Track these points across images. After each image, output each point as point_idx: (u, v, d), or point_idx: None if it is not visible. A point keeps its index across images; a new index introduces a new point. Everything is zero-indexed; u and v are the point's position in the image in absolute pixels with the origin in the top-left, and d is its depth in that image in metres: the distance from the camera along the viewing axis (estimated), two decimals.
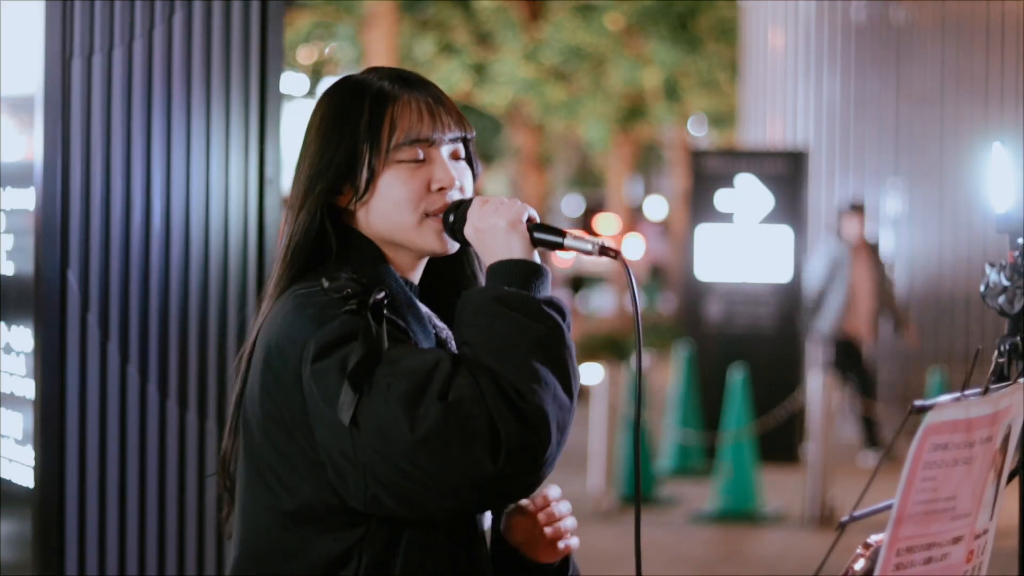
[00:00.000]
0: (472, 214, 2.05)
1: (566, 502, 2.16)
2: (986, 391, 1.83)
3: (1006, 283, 2.46)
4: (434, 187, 2.07)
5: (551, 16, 19.84)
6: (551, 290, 2.02)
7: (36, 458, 3.49)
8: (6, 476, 3.65)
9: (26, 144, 3.56)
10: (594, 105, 20.74)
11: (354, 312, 1.92)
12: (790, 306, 10.92)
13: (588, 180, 34.56)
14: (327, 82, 14.36)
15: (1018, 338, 2.45)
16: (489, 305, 1.94)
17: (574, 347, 1.97)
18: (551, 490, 2.15)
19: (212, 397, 3.71)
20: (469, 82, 19.96)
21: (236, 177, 3.75)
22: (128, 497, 3.58)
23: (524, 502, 2.12)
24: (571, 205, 37.23)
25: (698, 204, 11.05)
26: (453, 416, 1.84)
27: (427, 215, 2.07)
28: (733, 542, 8.16)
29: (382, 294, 1.95)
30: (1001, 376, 2.44)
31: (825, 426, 8.63)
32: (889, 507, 1.69)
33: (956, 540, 1.80)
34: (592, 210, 35.69)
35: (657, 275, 32.54)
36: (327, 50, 20.80)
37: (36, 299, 3.48)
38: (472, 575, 2.01)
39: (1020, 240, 2.48)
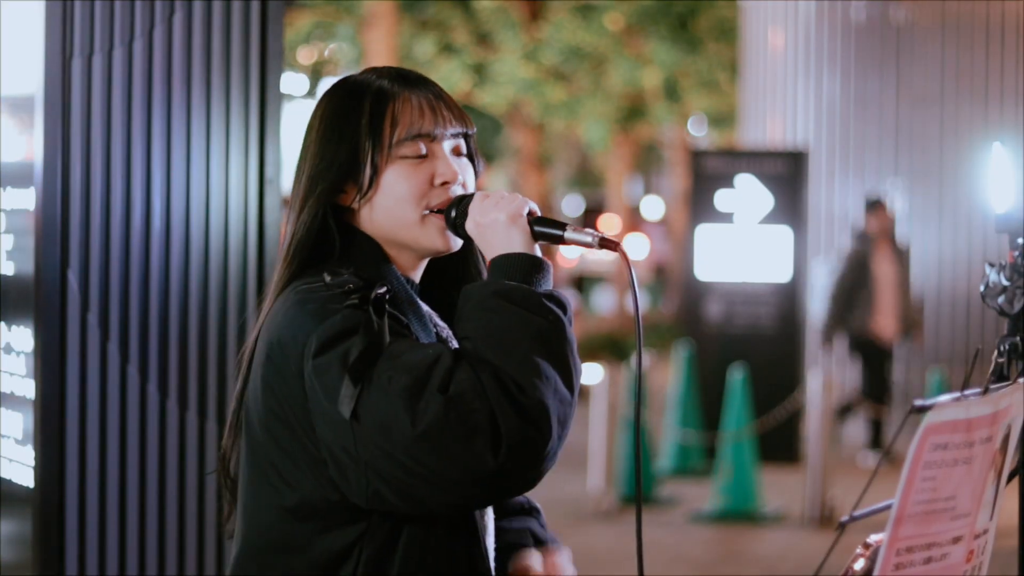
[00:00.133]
0: (473, 209, 2.05)
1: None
2: (986, 391, 1.83)
3: (1006, 283, 2.46)
4: (437, 182, 2.07)
5: (551, 16, 19.83)
6: (555, 286, 2.03)
7: (36, 458, 3.49)
8: (6, 476, 3.65)
9: (26, 144, 3.56)
10: (594, 105, 20.73)
11: (356, 307, 1.92)
12: (790, 306, 10.92)
13: (588, 180, 34.53)
14: (327, 82, 14.38)
15: (1018, 338, 2.44)
16: (490, 299, 1.94)
17: (575, 341, 1.97)
18: (568, 568, 2.19)
19: (212, 397, 3.71)
20: (469, 82, 19.96)
21: (236, 177, 3.75)
22: (128, 497, 3.58)
23: (536, 569, 2.15)
24: (571, 205, 37.20)
25: (698, 204, 11.05)
26: (454, 410, 1.84)
27: (430, 210, 2.07)
28: (733, 542, 8.16)
29: (384, 288, 1.95)
30: (1001, 376, 2.43)
31: (825, 426, 8.63)
32: (889, 507, 1.69)
33: (956, 540, 1.80)
34: (592, 210, 35.64)
35: (661, 275, 32.52)
36: (327, 50, 20.80)
37: (36, 299, 3.48)
38: (470, 571, 2.02)
39: (1020, 240, 2.48)
